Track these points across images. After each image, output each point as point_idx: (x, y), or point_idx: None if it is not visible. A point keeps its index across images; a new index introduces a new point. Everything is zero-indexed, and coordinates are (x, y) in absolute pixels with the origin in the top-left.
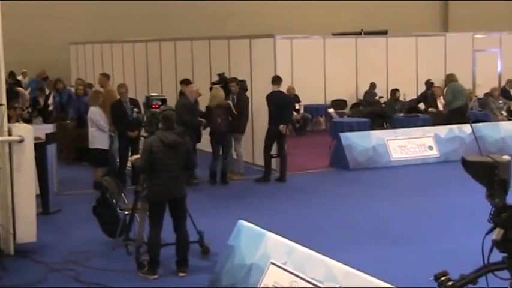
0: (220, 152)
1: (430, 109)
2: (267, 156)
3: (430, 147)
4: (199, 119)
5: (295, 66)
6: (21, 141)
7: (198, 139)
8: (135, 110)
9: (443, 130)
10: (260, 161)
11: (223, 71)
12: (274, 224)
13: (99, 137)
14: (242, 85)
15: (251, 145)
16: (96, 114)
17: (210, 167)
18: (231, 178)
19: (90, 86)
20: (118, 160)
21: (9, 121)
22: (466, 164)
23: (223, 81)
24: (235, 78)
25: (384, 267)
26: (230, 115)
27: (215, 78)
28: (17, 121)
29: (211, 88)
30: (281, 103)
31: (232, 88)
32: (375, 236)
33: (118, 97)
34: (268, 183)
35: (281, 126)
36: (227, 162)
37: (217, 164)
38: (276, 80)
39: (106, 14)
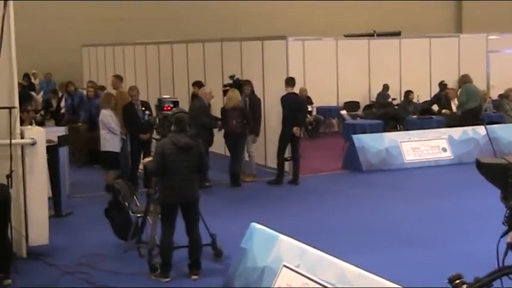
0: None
1: (443, 110)
2: (280, 159)
3: (444, 149)
4: (215, 120)
5: (307, 68)
6: (33, 144)
7: (211, 142)
8: (147, 112)
9: (457, 132)
10: (273, 163)
11: (234, 73)
12: (287, 227)
13: (110, 140)
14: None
15: (263, 147)
16: (107, 117)
17: (230, 169)
18: (243, 180)
19: (102, 88)
20: (130, 163)
21: (21, 124)
22: (480, 166)
23: (237, 83)
24: (248, 81)
25: (397, 270)
26: (245, 118)
27: (227, 81)
28: (30, 124)
29: (224, 91)
30: (295, 105)
31: (246, 90)
32: (387, 238)
33: (130, 99)
34: (280, 185)
35: (295, 129)
36: (241, 165)
37: (238, 165)
38: (290, 81)
39: (118, 16)
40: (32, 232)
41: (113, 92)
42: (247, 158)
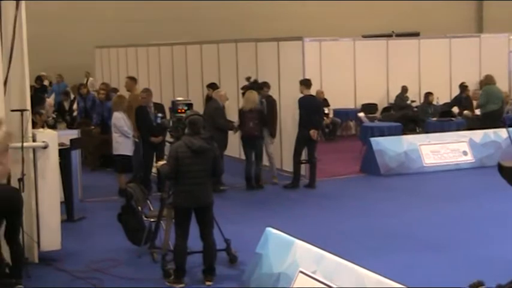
0: (253, 158)
1: (465, 112)
2: (296, 162)
3: (465, 153)
4: (231, 123)
5: (324, 69)
6: (45, 147)
7: (225, 145)
8: (159, 115)
9: (478, 135)
10: (288, 166)
11: (250, 75)
12: (303, 232)
13: (123, 143)
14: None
15: (279, 150)
16: (120, 119)
17: (245, 172)
18: (265, 182)
19: (115, 90)
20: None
21: (33, 127)
22: (502, 170)
23: (256, 84)
24: (266, 82)
25: (416, 276)
26: (263, 119)
27: (242, 82)
28: (42, 127)
29: (243, 93)
30: (312, 107)
31: (264, 92)
32: (407, 243)
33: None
34: (297, 189)
35: (311, 131)
36: (260, 168)
37: (252, 168)
38: (306, 83)
39: (131, 17)
40: (44, 237)
41: (126, 94)
42: (265, 162)
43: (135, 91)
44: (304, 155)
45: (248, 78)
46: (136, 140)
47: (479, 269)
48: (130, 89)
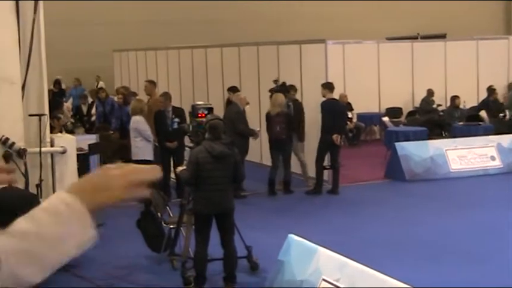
0: (280, 162)
1: (500, 115)
2: (319, 167)
3: (492, 158)
4: (252, 129)
5: (347, 72)
6: (63, 152)
7: (246, 151)
8: (176, 119)
9: (506, 139)
10: (310, 172)
11: (278, 77)
12: (326, 239)
13: (143, 148)
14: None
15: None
16: (143, 123)
17: (269, 176)
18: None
19: (134, 94)
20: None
21: (51, 132)
22: None
23: (283, 87)
24: (293, 86)
25: (443, 286)
26: (290, 123)
27: (264, 86)
28: (60, 132)
29: (270, 95)
30: (335, 112)
31: (292, 95)
32: (433, 251)
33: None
34: (319, 195)
35: (334, 136)
36: (289, 172)
37: (276, 173)
38: (330, 86)
39: (150, 20)
40: None
41: (145, 98)
42: (293, 169)
43: (155, 95)
44: (327, 161)
45: (276, 81)
46: (156, 144)
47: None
48: (151, 93)
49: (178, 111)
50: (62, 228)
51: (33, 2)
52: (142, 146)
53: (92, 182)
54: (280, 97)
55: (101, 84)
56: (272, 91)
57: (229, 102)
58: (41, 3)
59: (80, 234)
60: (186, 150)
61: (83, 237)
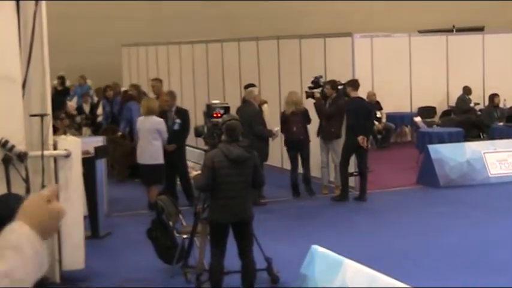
0: (300, 163)
1: None
2: (344, 172)
3: None
4: (269, 130)
5: (376, 68)
6: (67, 155)
7: (266, 154)
8: (177, 120)
9: None
10: (330, 176)
11: (320, 74)
12: (353, 250)
13: (160, 151)
14: (336, 86)
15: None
16: (163, 124)
17: (290, 180)
18: (322, 193)
19: (144, 94)
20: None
21: (54, 133)
22: None
23: (317, 84)
24: (332, 81)
25: None
26: (308, 122)
27: (285, 83)
28: (64, 133)
29: (307, 93)
30: (361, 111)
31: (327, 92)
32: (471, 264)
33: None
34: (346, 202)
35: (360, 138)
36: (309, 173)
37: (297, 175)
38: (354, 84)
39: (162, 12)
40: (66, 255)
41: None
42: (318, 175)
43: (163, 95)
44: (354, 166)
45: (317, 78)
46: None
47: None
48: (159, 92)
49: (181, 112)
50: (29, 267)
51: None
52: (160, 149)
53: (39, 213)
54: (295, 95)
55: (89, 82)
56: (309, 88)
57: (245, 101)
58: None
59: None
60: (200, 153)
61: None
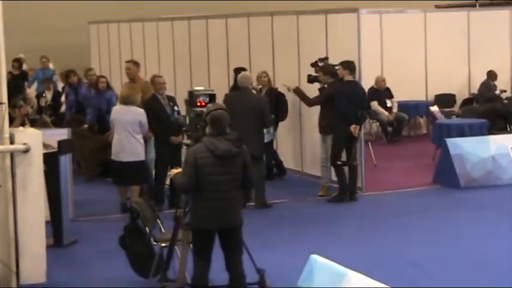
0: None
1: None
2: (338, 168)
3: None
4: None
5: (386, 50)
6: (26, 150)
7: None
8: (176, 108)
9: None
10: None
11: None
12: (358, 260)
13: (142, 147)
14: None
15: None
16: (145, 116)
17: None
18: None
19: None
20: (154, 175)
21: (11, 124)
22: None
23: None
24: (325, 66)
25: None
26: None
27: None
28: (22, 124)
29: (309, 76)
30: (355, 96)
31: (321, 79)
32: (496, 277)
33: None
34: (347, 204)
35: (353, 127)
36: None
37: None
38: (351, 67)
39: None
40: (25, 266)
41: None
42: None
43: (139, 80)
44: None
45: (322, 59)
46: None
47: None
48: (135, 77)
49: (171, 99)
50: None
51: None
52: (142, 144)
53: None
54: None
55: (52, 66)
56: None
57: (235, 87)
58: None
59: None
60: (182, 149)
61: None
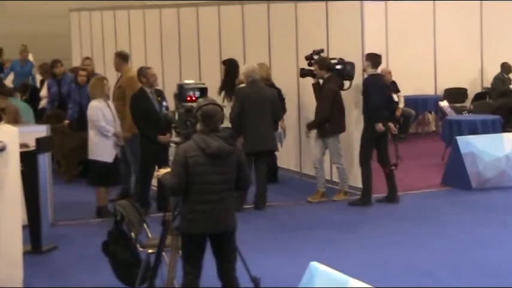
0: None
1: None
2: (366, 169)
3: None
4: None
5: (391, 40)
6: (2, 149)
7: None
8: (164, 104)
9: None
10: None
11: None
12: (362, 268)
13: (99, 145)
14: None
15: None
16: (96, 110)
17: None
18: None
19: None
20: (139, 176)
21: None
22: None
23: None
24: (320, 59)
25: None
26: None
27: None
28: None
29: (302, 70)
30: (384, 91)
31: (316, 73)
32: (508, 283)
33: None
34: (364, 208)
35: (390, 124)
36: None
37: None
38: (375, 60)
39: None
40: (0, 274)
41: (113, 75)
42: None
43: (129, 73)
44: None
45: (318, 53)
46: (119, 142)
47: None
48: (120, 69)
49: (157, 93)
50: None
51: None
52: (97, 142)
53: None
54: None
55: (30, 58)
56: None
57: (227, 81)
58: None
59: None
60: (170, 147)
61: None
